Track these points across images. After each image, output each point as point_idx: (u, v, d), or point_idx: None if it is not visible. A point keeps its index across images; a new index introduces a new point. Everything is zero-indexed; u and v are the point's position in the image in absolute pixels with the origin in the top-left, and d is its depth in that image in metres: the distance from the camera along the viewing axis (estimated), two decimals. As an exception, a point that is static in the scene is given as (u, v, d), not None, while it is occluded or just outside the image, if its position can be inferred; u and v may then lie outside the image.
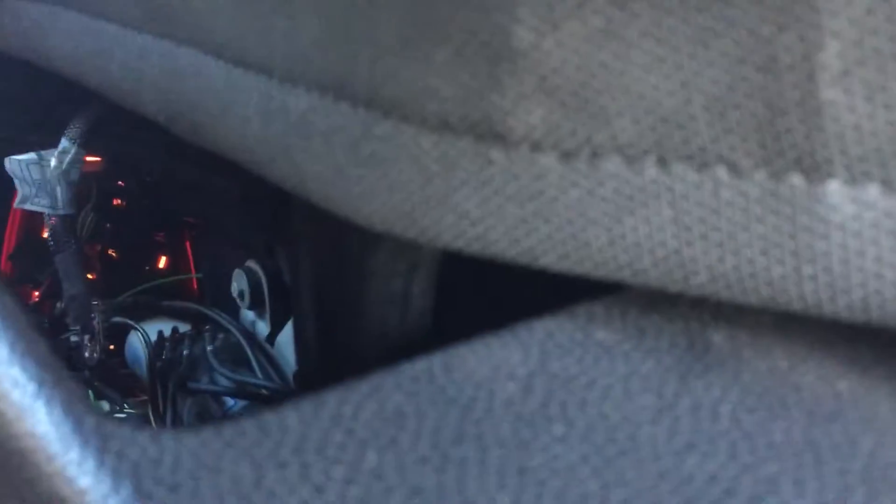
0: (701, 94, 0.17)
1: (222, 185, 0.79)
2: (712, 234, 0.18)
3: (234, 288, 0.76)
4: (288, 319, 0.74)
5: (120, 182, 0.94)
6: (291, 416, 0.18)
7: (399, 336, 0.28)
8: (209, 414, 0.75)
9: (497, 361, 0.20)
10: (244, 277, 0.75)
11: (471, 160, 0.21)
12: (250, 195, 0.67)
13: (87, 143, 0.66)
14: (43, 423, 0.18)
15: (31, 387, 0.19)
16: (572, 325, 0.21)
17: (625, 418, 0.18)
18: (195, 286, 1.01)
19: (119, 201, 0.95)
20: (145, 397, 0.80)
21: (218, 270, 0.88)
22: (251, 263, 0.75)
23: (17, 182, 0.63)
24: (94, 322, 0.69)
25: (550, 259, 0.21)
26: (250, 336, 0.77)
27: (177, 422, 0.73)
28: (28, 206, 0.64)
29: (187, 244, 1.01)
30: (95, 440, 0.17)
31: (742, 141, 0.17)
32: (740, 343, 0.21)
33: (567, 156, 0.19)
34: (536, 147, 0.20)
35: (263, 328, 0.76)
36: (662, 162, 0.18)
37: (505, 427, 0.18)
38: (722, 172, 0.18)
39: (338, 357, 0.30)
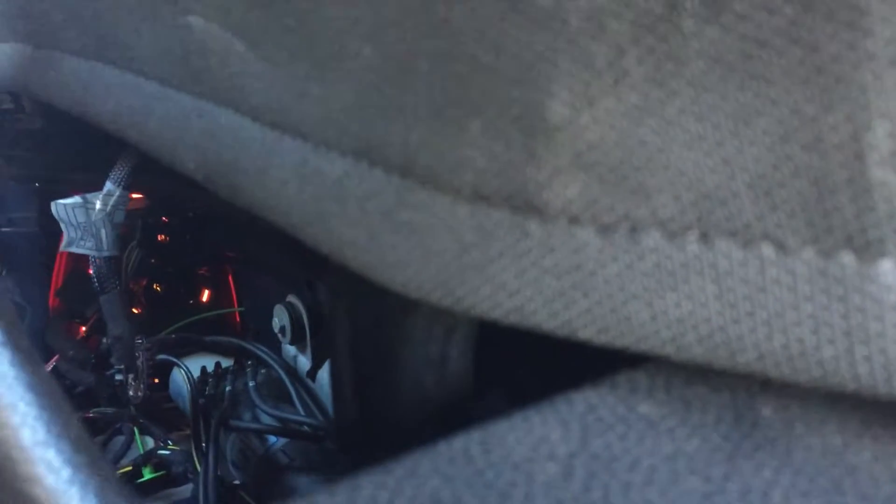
0: (744, 171, 0.17)
1: (265, 221, 0.80)
2: (759, 311, 0.18)
3: (276, 323, 0.76)
4: (329, 355, 0.74)
5: (164, 218, 0.95)
6: (326, 504, 0.18)
7: (437, 397, 0.28)
8: (251, 450, 0.75)
9: (536, 440, 0.19)
10: (285, 312, 0.75)
11: (507, 231, 0.20)
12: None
13: (130, 185, 0.67)
14: (78, 511, 0.18)
15: (65, 471, 0.18)
16: (614, 398, 0.21)
17: (670, 505, 0.17)
18: (238, 319, 1.02)
19: (163, 237, 0.97)
20: (189, 432, 0.81)
21: (259, 305, 0.89)
22: (292, 298, 0.75)
23: (62, 225, 0.64)
24: (139, 361, 0.70)
25: (590, 332, 0.20)
26: (292, 371, 0.78)
27: (219, 459, 0.73)
28: (73, 249, 0.65)
29: (230, 278, 1.02)
30: (130, 532, 0.17)
31: (789, 218, 0.17)
32: (791, 417, 0.20)
33: (605, 230, 0.19)
34: (574, 221, 0.19)
35: (305, 363, 0.76)
36: (705, 237, 0.18)
37: (545, 516, 0.17)
38: (768, 250, 0.17)
39: (375, 416, 0.30)
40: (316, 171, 0.25)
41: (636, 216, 0.18)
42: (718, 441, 0.19)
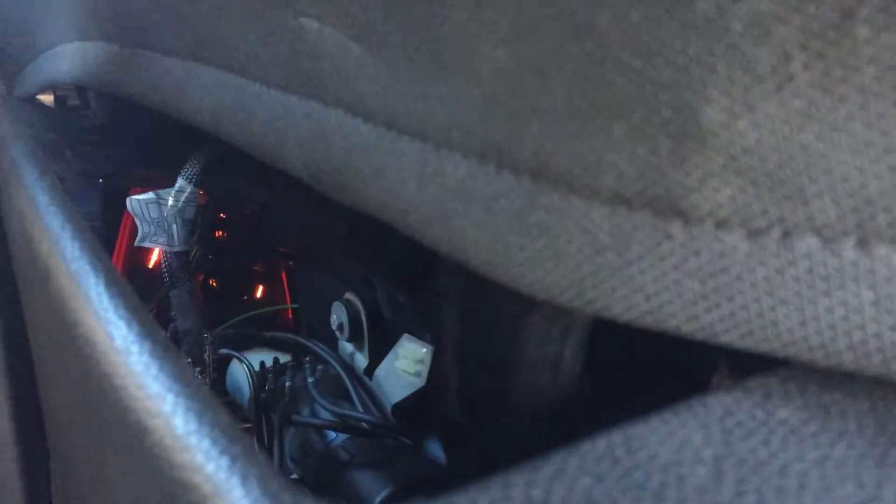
0: (911, 178, 0.17)
1: (323, 218, 0.81)
2: (918, 319, 0.18)
3: (334, 320, 0.77)
4: (386, 352, 0.75)
5: (221, 214, 0.97)
6: (483, 500, 0.18)
7: (549, 398, 0.28)
8: (310, 445, 0.76)
9: (679, 442, 0.20)
10: (343, 310, 0.76)
11: (647, 234, 0.21)
12: (352, 229, 0.68)
13: (201, 182, 0.68)
14: (241, 499, 0.18)
15: (224, 461, 0.19)
16: (751, 403, 0.21)
17: (829, 511, 0.18)
18: (290, 316, 1.03)
19: (220, 233, 0.98)
20: (247, 426, 0.82)
21: (315, 301, 0.90)
22: (350, 296, 0.76)
23: (137, 221, 0.66)
24: (206, 355, 0.71)
25: (732, 336, 0.20)
26: (350, 368, 0.78)
27: (281, 454, 0.74)
28: (147, 244, 0.66)
29: (283, 275, 1.04)
30: (297, 521, 0.17)
31: (955, 226, 0.17)
32: (934, 425, 0.20)
33: (756, 234, 0.19)
34: (722, 224, 0.19)
35: (361, 360, 0.77)
36: (863, 243, 0.18)
37: (703, 518, 0.17)
38: (930, 257, 0.17)
39: (482, 414, 0.30)
40: (437, 171, 0.26)
41: (791, 221, 0.18)
42: (865, 447, 0.19)
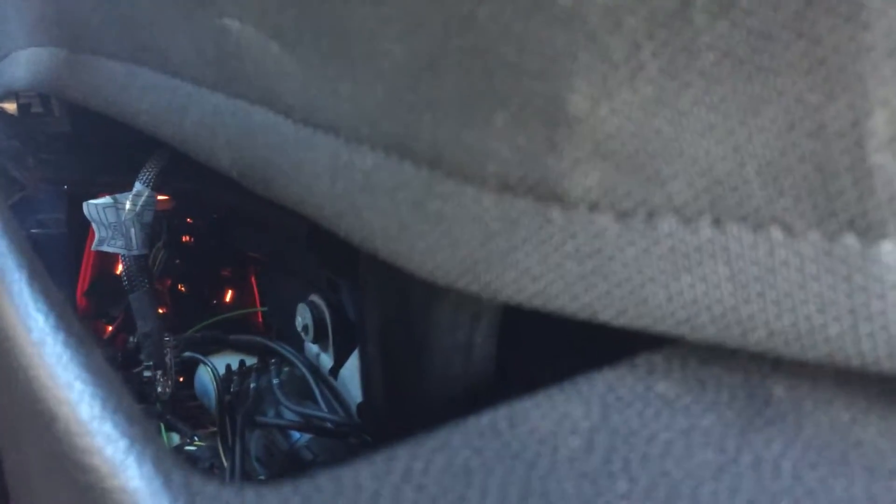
0: (753, 158, 0.18)
1: (287, 222, 0.82)
2: (769, 292, 0.19)
3: (299, 322, 0.78)
4: (351, 352, 0.76)
5: (188, 219, 0.97)
6: (365, 472, 0.19)
7: (462, 382, 0.29)
8: (275, 446, 0.77)
9: (559, 415, 0.21)
10: (308, 311, 0.76)
11: (530, 219, 0.22)
12: (314, 231, 0.69)
13: (159, 186, 0.69)
14: (135, 479, 0.19)
15: (122, 443, 0.20)
16: (633, 378, 0.22)
17: (687, 475, 0.19)
18: (260, 319, 1.04)
19: (188, 238, 0.99)
20: (214, 429, 0.83)
21: (282, 304, 0.91)
22: (315, 298, 0.77)
23: (94, 225, 0.66)
24: (167, 358, 0.71)
25: (609, 314, 0.21)
26: (315, 369, 0.79)
27: (245, 454, 0.75)
28: (104, 248, 0.67)
29: (252, 279, 1.04)
30: (184, 497, 0.18)
31: (795, 203, 0.18)
32: (801, 395, 0.21)
33: (623, 216, 0.20)
34: (594, 207, 0.20)
35: (327, 361, 0.78)
36: (717, 222, 0.19)
37: (569, 484, 0.18)
38: (776, 233, 0.18)
39: (403, 401, 0.31)
40: (348, 164, 0.27)
41: (652, 202, 0.20)
42: (732, 417, 0.20)
